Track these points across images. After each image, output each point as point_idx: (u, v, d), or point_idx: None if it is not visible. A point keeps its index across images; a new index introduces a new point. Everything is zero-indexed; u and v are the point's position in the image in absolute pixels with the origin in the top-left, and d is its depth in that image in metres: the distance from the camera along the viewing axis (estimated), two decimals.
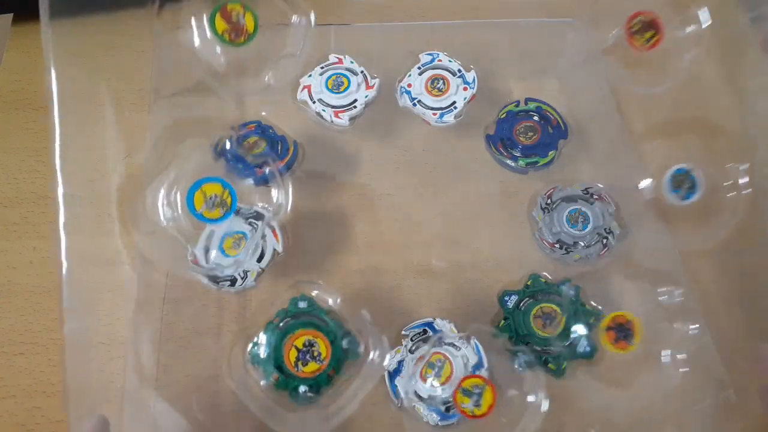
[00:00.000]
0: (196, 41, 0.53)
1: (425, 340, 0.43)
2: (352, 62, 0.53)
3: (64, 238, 0.40)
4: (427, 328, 0.43)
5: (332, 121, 0.51)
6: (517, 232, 0.51)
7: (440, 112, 0.52)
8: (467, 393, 0.38)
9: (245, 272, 0.44)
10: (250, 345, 0.42)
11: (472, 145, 0.55)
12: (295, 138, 0.53)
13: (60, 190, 0.40)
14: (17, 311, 0.44)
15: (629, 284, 0.49)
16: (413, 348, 0.42)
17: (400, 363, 0.42)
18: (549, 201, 0.50)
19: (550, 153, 0.52)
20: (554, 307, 0.44)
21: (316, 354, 0.40)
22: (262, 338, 0.42)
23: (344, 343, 0.42)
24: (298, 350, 0.40)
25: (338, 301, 0.46)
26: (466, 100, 0.52)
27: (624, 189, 0.50)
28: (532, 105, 0.54)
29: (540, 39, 0.57)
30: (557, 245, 0.48)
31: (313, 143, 0.53)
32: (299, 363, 0.40)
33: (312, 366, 0.40)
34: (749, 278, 0.50)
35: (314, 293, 0.46)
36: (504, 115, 0.55)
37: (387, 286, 0.48)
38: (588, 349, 0.44)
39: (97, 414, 0.33)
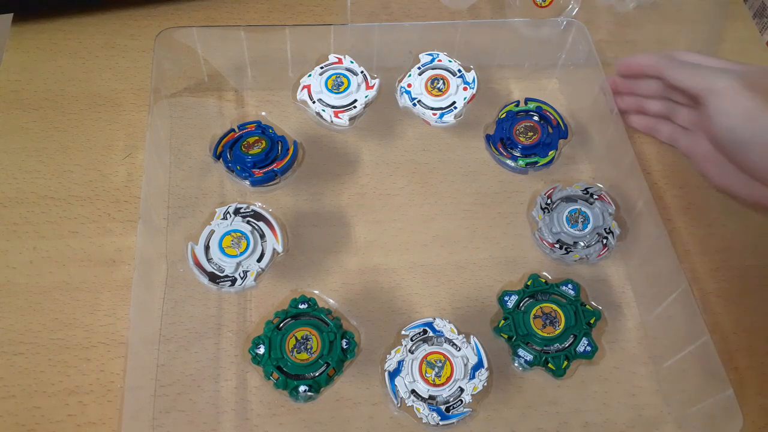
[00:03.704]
0: (196, 41, 0.53)
1: (425, 340, 0.43)
2: (352, 62, 0.53)
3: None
4: (427, 328, 0.43)
5: (332, 121, 0.51)
6: (517, 232, 0.51)
7: (440, 112, 0.52)
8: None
9: (245, 272, 0.44)
10: (250, 345, 0.42)
11: (472, 145, 0.55)
12: (295, 138, 0.53)
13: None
14: (17, 311, 0.44)
15: (629, 284, 0.49)
16: (413, 348, 0.42)
17: (400, 363, 0.42)
18: (549, 201, 0.50)
19: (550, 153, 0.52)
20: (554, 307, 0.44)
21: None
22: (262, 338, 0.42)
23: (343, 343, 0.42)
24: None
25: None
26: (466, 100, 0.52)
27: (624, 189, 0.50)
28: (532, 105, 0.54)
29: (540, 39, 0.57)
30: (557, 245, 0.48)
31: (313, 143, 0.53)
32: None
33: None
34: (749, 278, 0.50)
35: (315, 292, 0.47)
36: (504, 115, 0.55)
37: (387, 286, 0.48)
38: (588, 349, 0.44)
39: None
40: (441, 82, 0.53)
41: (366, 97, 0.52)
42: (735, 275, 0.50)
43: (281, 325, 0.43)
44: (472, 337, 0.43)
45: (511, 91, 0.58)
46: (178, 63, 0.54)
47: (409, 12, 0.62)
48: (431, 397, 0.41)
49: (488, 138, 0.54)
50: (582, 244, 0.48)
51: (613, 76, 0.53)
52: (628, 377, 0.45)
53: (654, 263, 0.47)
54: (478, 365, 0.42)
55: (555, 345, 0.44)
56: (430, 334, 0.43)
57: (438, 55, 0.54)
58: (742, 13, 0.65)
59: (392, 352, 0.42)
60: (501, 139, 0.53)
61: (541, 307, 0.45)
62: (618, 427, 0.43)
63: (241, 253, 0.44)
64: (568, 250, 0.48)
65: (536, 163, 0.52)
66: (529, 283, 0.46)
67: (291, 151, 0.50)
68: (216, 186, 0.51)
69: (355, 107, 0.51)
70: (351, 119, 0.52)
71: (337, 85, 0.52)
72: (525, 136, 0.52)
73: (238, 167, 0.49)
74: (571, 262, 0.49)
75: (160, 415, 0.42)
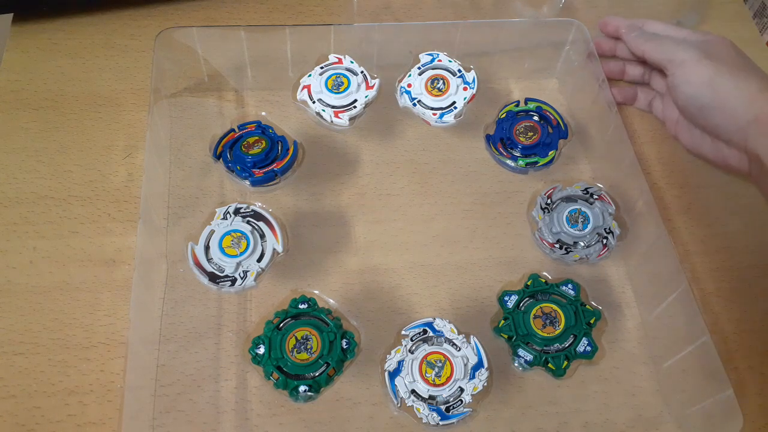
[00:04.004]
0: (196, 41, 0.53)
1: (425, 340, 0.43)
2: (352, 62, 0.53)
3: None
4: (427, 328, 0.43)
5: (332, 121, 0.51)
6: (517, 232, 0.51)
7: (440, 112, 0.52)
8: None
9: (245, 272, 0.44)
10: (250, 345, 0.42)
11: (472, 145, 0.55)
12: (295, 138, 0.53)
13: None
14: (17, 311, 0.44)
15: (629, 284, 0.49)
16: (413, 348, 0.42)
17: (400, 363, 0.42)
18: (549, 201, 0.50)
19: (550, 153, 0.52)
20: (554, 307, 0.44)
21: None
22: (262, 338, 0.42)
23: (343, 343, 0.42)
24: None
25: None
26: (466, 100, 0.52)
27: (624, 189, 0.50)
28: (532, 105, 0.54)
29: (540, 39, 0.57)
30: (557, 245, 0.48)
31: (313, 143, 0.53)
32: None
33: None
34: (749, 278, 0.50)
35: (315, 292, 0.47)
36: (504, 115, 0.55)
37: (387, 286, 0.48)
38: (588, 349, 0.44)
39: None
40: (441, 82, 0.53)
41: (366, 97, 0.52)
42: (735, 275, 0.50)
43: (281, 325, 0.43)
44: (472, 337, 0.43)
45: (511, 91, 0.58)
46: (178, 63, 0.54)
47: (410, 11, 0.62)
48: (431, 397, 0.41)
49: (488, 138, 0.54)
50: (582, 244, 0.48)
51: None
52: (628, 377, 0.45)
53: (654, 263, 0.47)
54: (478, 365, 0.42)
55: (555, 345, 0.44)
56: (430, 334, 0.43)
57: (438, 55, 0.54)
58: (742, 13, 0.65)
59: (392, 352, 0.42)
60: (501, 139, 0.53)
61: (541, 307, 0.45)
62: (618, 427, 0.43)
63: (241, 253, 0.44)
64: (568, 250, 0.48)
65: (536, 163, 0.52)
66: (529, 283, 0.46)
67: (291, 151, 0.50)
68: (216, 186, 0.51)
69: (355, 107, 0.51)
70: (351, 119, 0.52)
71: (337, 85, 0.52)
72: (525, 136, 0.52)
73: (238, 167, 0.49)
74: (571, 262, 0.49)
75: (160, 415, 0.42)
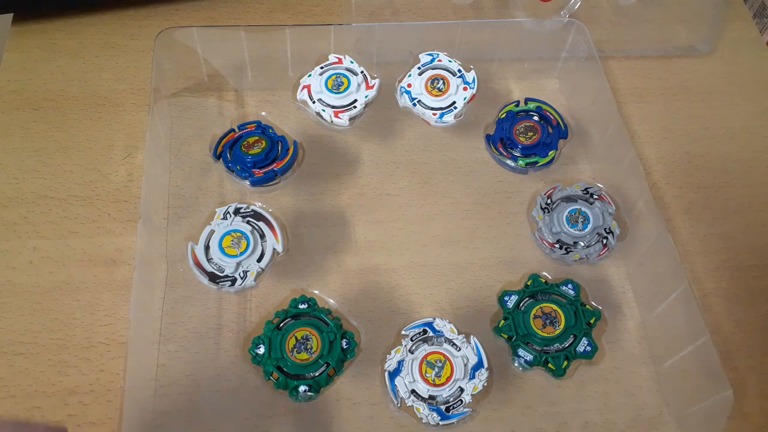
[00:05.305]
0: (196, 41, 0.53)
1: (425, 340, 0.43)
2: (352, 62, 0.53)
3: None
4: (427, 328, 0.43)
5: (332, 121, 0.51)
6: (517, 232, 0.51)
7: (440, 112, 0.52)
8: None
9: (245, 272, 0.44)
10: (250, 345, 0.42)
11: (472, 145, 0.55)
12: (295, 138, 0.53)
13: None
14: (17, 311, 0.44)
15: (629, 284, 0.49)
16: (413, 348, 0.42)
17: (400, 363, 0.42)
18: (549, 201, 0.50)
19: (550, 153, 0.52)
20: (554, 307, 0.44)
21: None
22: (262, 338, 0.42)
23: (343, 343, 0.42)
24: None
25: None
26: (466, 100, 0.52)
27: (624, 189, 0.50)
28: (532, 105, 0.54)
29: (540, 39, 0.57)
30: (557, 245, 0.48)
31: (313, 143, 0.53)
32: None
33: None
34: (749, 278, 0.50)
35: (315, 292, 0.47)
36: (504, 115, 0.55)
37: (387, 286, 0.48)
38: (588, 349, 0.44)
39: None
40: (441, 82, 0.53)
41: (366, 97, 0.52)
42: (735, 275, 0.50)
43: (281, 325, 0.43)
44: (472, 337, 0.43)
45: (511, 91, 0.58)
46: (178, 63, 0.54)
47: (411, 11, 0.62)
48: (431, 397, 0.41)
49: (488, 138, 0.54)
50: (582, 244, 0.48)
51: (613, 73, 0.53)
52: (628, 377, 0.45)
53: (654, 263, 0.47)
54: (478, 365, 0.42)
55: (555, 345, 0.44)
56: (430, 334, 0.43)
57: (438, 55, 0.54)
58: (742, 13, 0.65)
59: (392, 352, 0.42)
60: (501, 139, 0.53)
61: (541, 307, 0.45)
62: (618, 427, 0.43)
63: (241, 253, 0.44)
64: (568, 250, 0.48)
65: (536, 163, 0.52)
66: (529, 283, 0.46)
67: (291, 151, 0.50)
68: (216, 186, 0.51)
69: (355, 107, 0.51)
70: (351, 119, 0.52)
71: (337, 85, 0.52)
72: (525, 136, 0.52)
73: (238, 167, 0.49)
74: (571, 262, 0.49)
75: (160, 415, 0.42)
